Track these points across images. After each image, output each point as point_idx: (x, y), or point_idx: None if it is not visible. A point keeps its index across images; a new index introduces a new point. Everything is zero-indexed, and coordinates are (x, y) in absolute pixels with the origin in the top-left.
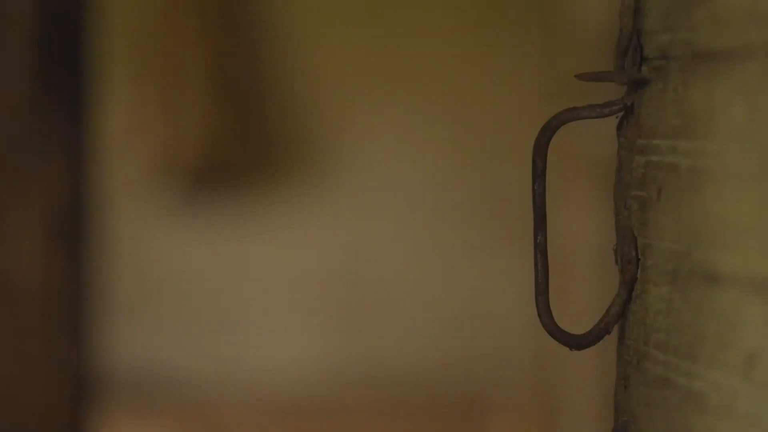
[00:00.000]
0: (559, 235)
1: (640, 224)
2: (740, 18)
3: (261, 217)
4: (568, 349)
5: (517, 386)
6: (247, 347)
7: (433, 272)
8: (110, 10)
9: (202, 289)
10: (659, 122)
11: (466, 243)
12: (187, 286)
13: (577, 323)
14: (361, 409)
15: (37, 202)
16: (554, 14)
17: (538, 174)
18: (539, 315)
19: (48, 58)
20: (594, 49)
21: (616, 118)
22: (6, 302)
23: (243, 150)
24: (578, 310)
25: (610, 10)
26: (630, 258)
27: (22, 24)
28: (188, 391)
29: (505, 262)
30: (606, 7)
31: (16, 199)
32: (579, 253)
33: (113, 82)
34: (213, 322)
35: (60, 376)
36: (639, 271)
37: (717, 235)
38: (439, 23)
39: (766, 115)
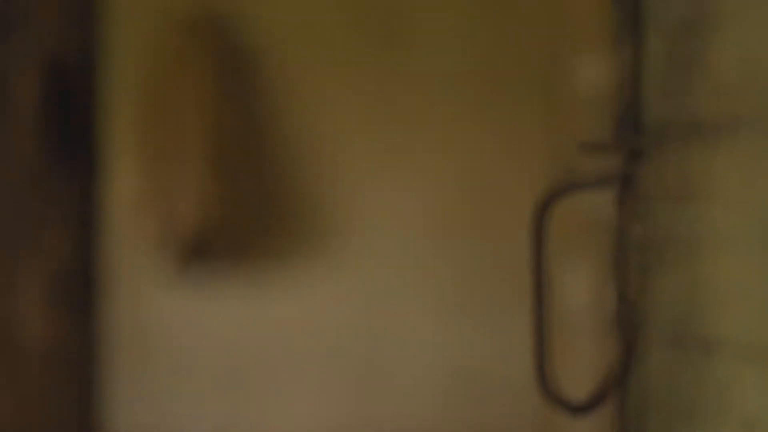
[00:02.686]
0: (560, 299)
1: (640, 290)
2: (733, 90)
3: (263, 281)
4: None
5: None
6: (251, 411)
7: (436, 335)
8: (113, 90)
9: (206, 354)
10: (658, 190)
11: (471, 304)
12: (190, 351)
13: (578, 386)
14: None
15: (43, 268)
16: (558, 84)
17: (538, 245)
18: (539, 384)
19: (56, 133)
20: (596, 115)
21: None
22: (9, 365)
23: (244, 215)
24: (579, 373)
25: (611, 80)
26: (630, 323)
27: (29, 100)
28: None
29: (510, 325)
30: (607, 76)
31: (23, 264)
32: (580, 317)
33: (117, 154)
34: (216, 386)
35: None
36: (639, 336)
37: (715, 302)
38: (445, 88)
39: (761, 185)
